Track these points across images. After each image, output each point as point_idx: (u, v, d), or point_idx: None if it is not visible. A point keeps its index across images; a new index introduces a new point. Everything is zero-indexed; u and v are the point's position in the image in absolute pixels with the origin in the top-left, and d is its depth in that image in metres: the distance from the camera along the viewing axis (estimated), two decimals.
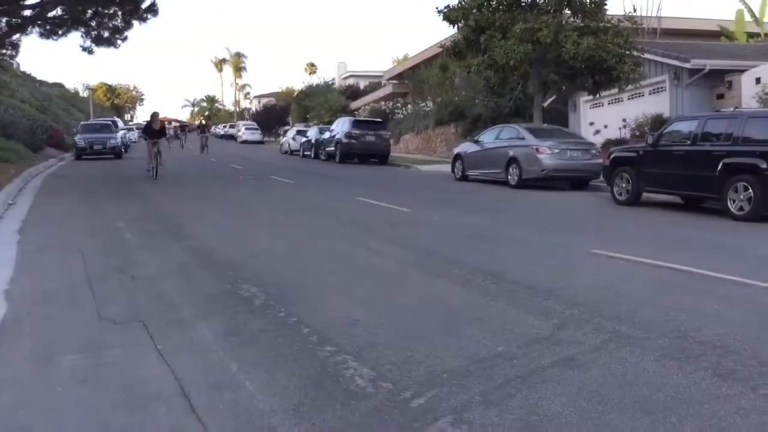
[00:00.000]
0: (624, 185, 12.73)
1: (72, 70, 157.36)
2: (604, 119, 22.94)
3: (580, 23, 19.06)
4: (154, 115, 19.20)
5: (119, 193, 14.51)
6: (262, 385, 3.53)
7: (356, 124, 27.50)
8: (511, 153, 16.33)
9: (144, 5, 21.05)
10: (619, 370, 3.70)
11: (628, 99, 21.83)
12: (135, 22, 21.79)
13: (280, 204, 12.83)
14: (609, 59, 17.94)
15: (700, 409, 3.20)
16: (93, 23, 21.52)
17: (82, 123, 33.90)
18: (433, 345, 4.18)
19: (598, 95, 20.73)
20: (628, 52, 18.47)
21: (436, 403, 3.26)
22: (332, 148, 27.51)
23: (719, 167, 10.59)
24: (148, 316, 4.81)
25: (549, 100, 23.52)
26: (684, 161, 11.44)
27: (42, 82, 54.49)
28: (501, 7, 19.14)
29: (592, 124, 23.62)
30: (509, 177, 16.32)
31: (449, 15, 19.70)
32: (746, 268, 6.48)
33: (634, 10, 22.06)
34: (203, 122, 42.69)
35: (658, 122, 18.17)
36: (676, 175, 11.59)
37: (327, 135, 28.72)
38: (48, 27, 21.60)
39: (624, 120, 20.96)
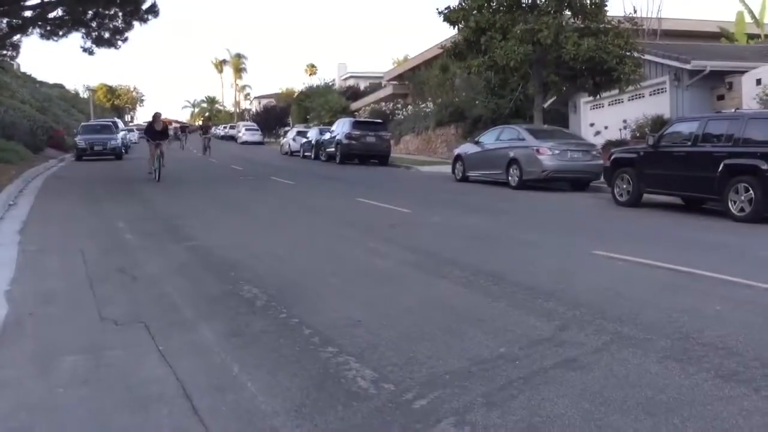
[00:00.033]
0: (625, 186, 12.72)
1: (72, 71, 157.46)
2: (605, 120, 22.94)
3: (580, 24, 19.08)
4: (157, 116, 18.63)
5: (120, 194, 14.51)
6: (264, 386, 3.53)
7: (356, 125, 27.51)
8: (511, 154, 16.33)
9: (145, 6, 21.09)
10: (621, 372, 3.70)
11: (629, 100, 21.83)
12: (135, 23, 21.85)
13: (280, 205, 12.83)
14: (609, 60, 17.94)
15: (703, 411, 3.20)
16: (94, 24, 21.55)
17: (82, 124, 33.91)
18: (435, 346, 4.17)
19: (598, 96, 20.74)
20: (628, 54, 18.49)
21: (439, 405, 3.25)
22: (333, 149, 27.52)
23: (720, 168, 10.58)
24: (149, 317, 4.81)
25: (549, 101, 23.53)
26: (685, 162, 11.43)
27: (42, 83, 54.50)
28: (501, 8, 19.15)
29: (592, 125, 23.62)
30: (510, 178, 16.31)
31: (450, 16, 19.72)
32: (748, 270, 6.47)
33: (635, 11, 22.10)
34: (206, 123, 42.50)
35: (659, 123, 18.18)
36: (677, 176, 11.58)
37: (327, 136, 28.73)
38: (49, 28, 21.62)
39: (624, 121, 20.96)
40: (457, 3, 19.78)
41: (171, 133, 22.66)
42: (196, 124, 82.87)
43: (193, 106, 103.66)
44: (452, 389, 3.45)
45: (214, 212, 11.39)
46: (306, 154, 31.74)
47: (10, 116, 26.49)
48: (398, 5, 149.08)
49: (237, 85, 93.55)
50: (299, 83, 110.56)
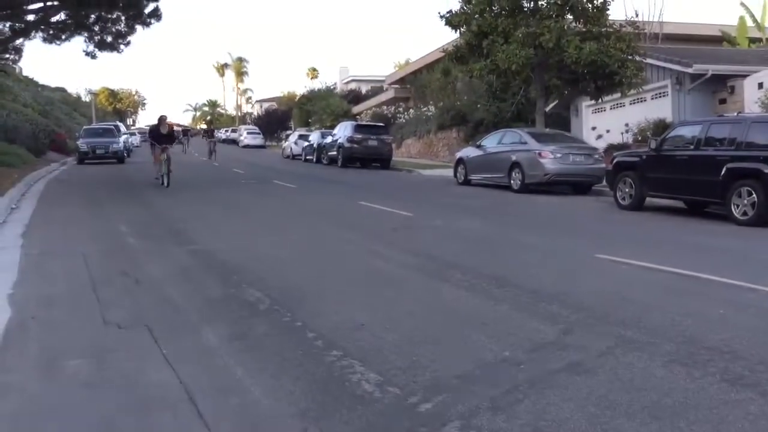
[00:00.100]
0: (627, 190, 12.71)
1: (74, 74, 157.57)
2: (606, 124, 22.93)
3: (582, 28, 19.08)
4: (162, 119, 17.89)
5: (122, 198, 14.52)
6: (268, 390, 3.52)
7: (358, 128, 27.52)
8: (513, 157, 16.32)
9: (147, 10, 21.13)
10: (626, 376, 3.69)
11: (630, 104, 21.83)
12: (138, 27, 21.86)
13: (283, 208, 12.83)
14: (611, 64, 17.94)
15: (709, 415, 3.19)
16: (96, 28, 21.60)
17: (84, 127, 33.96)
18: (439, 349, 4.16)
19: (600, 100, 20.73)
20: (630, 57, 18.49)
21: (444, 409, 3.24)
22: (334, 153, 27.53)
23: (723, 172, 10.57)
24: (152, 321, 4.80)
25: (551, 105, 23.52)
26: (687, 166, 11.42)
27: (44, 87, 54.58)
28: (503, 12, 19.16)
29: (594, 128, 23.62)
30: (512, 181, 16.31)
31: (452, 20, 19.73)
32: (751, 273, 6.45)
33: (636, 15, 22.04)
34: (210, 127, 42.29)
35: (661, 127, 18.16)
36: (680, 179, 11.57)
37: (329, 139, 28.74)
38: (51, 32, 21.68)
39: (626, 125, 20.94)
40: (459, 7, 19.80)
41: (178, 136, 21.37)
42: (198, 127, 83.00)
43: (195, 109, 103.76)
44: (457, 393, 3.44)
45: (217, 215, 11.39)
46: (308, 157, 31.74)
47: (13, 120, 26.52)
48: (400, 9, 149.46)
49: (239, 88, 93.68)
50: (301, 87, 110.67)
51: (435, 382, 3.60)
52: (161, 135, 17.24)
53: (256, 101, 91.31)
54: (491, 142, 18.00)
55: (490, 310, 5.15)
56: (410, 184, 19.57)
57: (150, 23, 21.53)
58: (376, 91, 52.61)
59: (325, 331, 4.50)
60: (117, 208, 12.27)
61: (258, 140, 53.63)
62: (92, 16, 20.95)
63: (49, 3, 20.25)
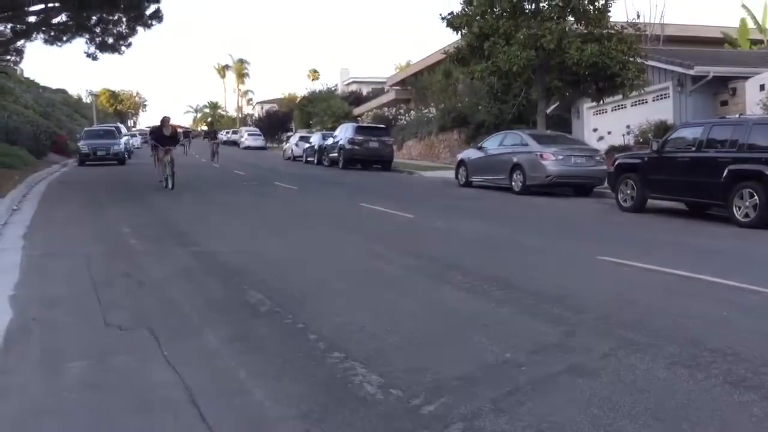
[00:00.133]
0: (629, 192, 12.70)
1: (75, 76, 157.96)
2: (608, 126, 22.93)
3: (583, 30, 19.09)
4: (165, 120, 17.51)
5: (123, 199, 14.51)
6: (271, 391, 3.51)
7: (359, 130, 27.53)
8: (515, 159, 16.32)
9: (148, 11, 21.11)
10: (629, 377, 3.68)
11: (632, 106, 21.82)
12: (139, 28, 21.86)
13: (284, 210, 12.82)
14: (612, 66, 17.96)
15: (712, 417, 3.18)
16: (97, 29, 21.60)
17: (85, 129, 33.97)
18: (441, 351, 4.16)
19: (601, 102, 20.74)
20: (631, 59, 18.50)
21: (447, 411, 3.23)
22: (335, 154, 27.55)
23: (725, 174, 10.56)
24: (154, 322, 4.79)
25: (552, 107, 23.52)
26: (689, 168, 11.41)
27: (45, 88, 54.56)
28: (504, 14, 19.18)
29: (595, 130, 23.62)
30: (513, 183, 16.31)
31: (453, 22, 19.75)
32: (754, 275, 6.44)
33: (638, 17, 22.00)
34: (212, 128, 42.15)
35: (662, 129, 18.16)
36: (681, 181, 11.56)
37: (330, 141, 28.76)
38: (53, 33, 21.69)
39: (628, 126, 20.94)
40: (460, 9, 19.82)
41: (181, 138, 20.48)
42: (199, 129, 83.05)
43: (196, 111, 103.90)
44: (459, 395, 3.43)
45: (218, 217, 11.39)
46: (309, 159, 31.76)
47: (14, 121, 26.52)
48: (401, 11, 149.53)
49: (239, 90, 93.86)
50: (302, 88, 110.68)
51: (437, 384, 3.59)
52: (164, 137, 16.90)
53: (257, 103, 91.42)
54: (492, 144, 18.00)
55: (491, 311, 5.15)
56: (411, 186, 19.56)
57: (151, 24, 21.53)
58: (377, 92, 52.66)
59: (327, 333, 4.50)
60: (118, 210, 12.26)
61: (259, 142, 53.67)
62: (93, 17, 20.95)
63: (50, 4, 20.25)
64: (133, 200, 14.21)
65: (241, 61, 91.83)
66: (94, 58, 22.22)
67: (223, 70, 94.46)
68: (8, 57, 26.79)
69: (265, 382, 3.64)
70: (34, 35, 21.95)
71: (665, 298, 5.58)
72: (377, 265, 7.16)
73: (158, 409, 3.31)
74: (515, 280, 6.21)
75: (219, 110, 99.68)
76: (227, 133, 66.73)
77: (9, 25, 21.83)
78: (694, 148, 11.46)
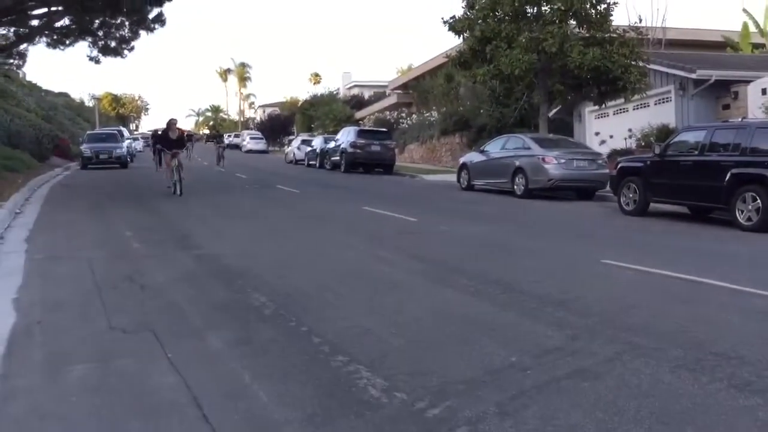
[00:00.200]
0: (631, 195, 12.69)
1: (77, 79, 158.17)
2: (610, 129, 22.92)
3: (585, 34, 19.09)
4: (171, 123, 16.74)
5: (126, 203, 14.52)
6: (275, 395, 3.51)
7: (361, 133, 27.56)
8: (517, 163, 16.32)
9: (151, 15, 21.15)
10: (634, 381, 3.67)
11: (634, 109, 21.82)
12: (142, 32, 21.91)
13: (286, 213, 12.83)
14: (614, 69, 17.96)
15: (717, 421, 3.17)
16: (100, 33, 21.63)
17: (88, 132, 34.07)
18: (446, 355, 4.15)
19: (603, 105, 20.74)
20: (633, 63, 18.49)
21: (451, 414, 3.23)
22: (337, 158, 27.56)
23: (727, 177, 10.55)
24: (158, 325, 4.79)
25: (554, 111, 23.54)
26: (692, 171, 11.40)
27: (48, 92, 54.75)
28: (506, 17, 19.18)
29: (597, 134, 23.62)
30: (515, 187, 16.30)
31: (455, 25, 19.76)
32: (757, 279, 6.43)
33: (640, 21, 22.03)
34: (218, 131, 41.90)
35: (664, 132, 18.15)
36: (684, 185, 11.55)
37: (332, 145, 28.78)
38: (55, 37, 21.73)
39: (630, 130, 20.93)
40: (462, 13, 19.83)
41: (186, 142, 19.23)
42: (201, 132, 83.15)
43: (198, 114, 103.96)
44: (464, 398, 3.42)
45: (221, 220, 11.39)
46: (311, 162, 31.78)
47: (16, 125, 26.57)
48: (403, 15, 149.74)
49: (241, 93, 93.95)
50: (304, 92, 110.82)
51: (442, 387, 3.58)
52: (170, 140, 16.13)
53: (259, 106, 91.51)
54: (494, 148, 18.00)
55: (496, 315, 5.14)
56: (413, 190, 19.56)
57: (154, 28, 21.56)
58: (378, 96, 52.77)
59: (331, 336, 4.49)
60: (121, 213, 12.27)
61: (261, 145, 53.74)
62: (96, 21, 20.98)
63: (53, 8, 20.29)
64: (136, 203, 14.22)
65: (243, 65, 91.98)
66: (97, 61, 22.26)
67: (225, 74, 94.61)
68: (11, 60, 26.83)
69: (270, 385, 3.64)
70: (36, 39, 21.99)
71: (670, 302, 5.58)
72: (381, 268, 7.15)
73: (162, 412, 3.30)
74: (519, 284, 6.21)
75: (221, 114, 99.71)
76: (229, 136, 66.78)
77: (12, 29, 21.86)
78: (696, 152, 11.47)
